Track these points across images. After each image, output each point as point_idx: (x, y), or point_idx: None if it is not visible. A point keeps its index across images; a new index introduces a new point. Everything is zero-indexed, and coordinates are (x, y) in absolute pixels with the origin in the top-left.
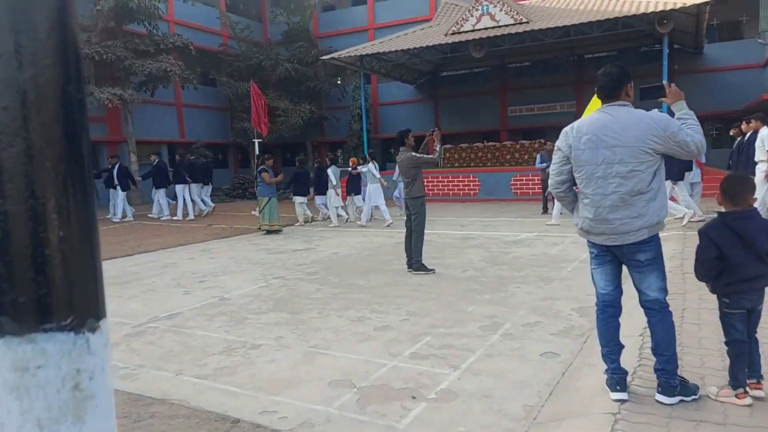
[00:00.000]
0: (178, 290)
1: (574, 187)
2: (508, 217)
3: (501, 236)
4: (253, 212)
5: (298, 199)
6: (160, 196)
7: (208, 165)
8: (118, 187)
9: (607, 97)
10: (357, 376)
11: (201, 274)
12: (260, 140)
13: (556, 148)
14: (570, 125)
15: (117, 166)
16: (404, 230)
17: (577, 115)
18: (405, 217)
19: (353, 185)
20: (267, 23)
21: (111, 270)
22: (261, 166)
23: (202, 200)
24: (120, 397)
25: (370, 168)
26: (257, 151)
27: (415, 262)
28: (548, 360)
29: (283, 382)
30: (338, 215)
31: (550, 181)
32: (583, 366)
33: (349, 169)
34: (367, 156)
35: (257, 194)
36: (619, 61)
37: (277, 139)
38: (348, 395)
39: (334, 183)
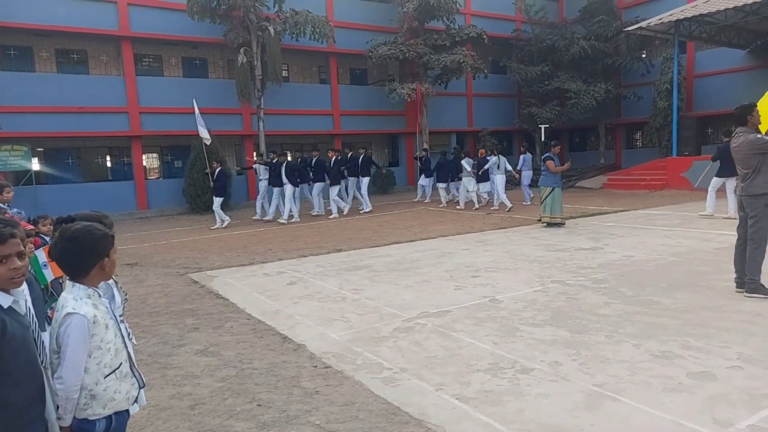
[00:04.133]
0: (451, 284)
1: None
2: None
3: None
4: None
5: (441, 185)
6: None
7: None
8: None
9: None
10: None
11: (474, 267)
12: (547, 125)
13: None
14: None
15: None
16: (724, 231)
17: None
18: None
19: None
20: (564, 1)
21: (395, 255)
22: (546, 153)
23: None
24: (378, 406)
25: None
26: (543, 137)
27: (749, 281)
28: None
29: (557, 431)
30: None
31: None
32: None
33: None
34: (495, 150)
35: (539, 183)
36: None
37: (567, 123)
38: None
39: (468, 170)
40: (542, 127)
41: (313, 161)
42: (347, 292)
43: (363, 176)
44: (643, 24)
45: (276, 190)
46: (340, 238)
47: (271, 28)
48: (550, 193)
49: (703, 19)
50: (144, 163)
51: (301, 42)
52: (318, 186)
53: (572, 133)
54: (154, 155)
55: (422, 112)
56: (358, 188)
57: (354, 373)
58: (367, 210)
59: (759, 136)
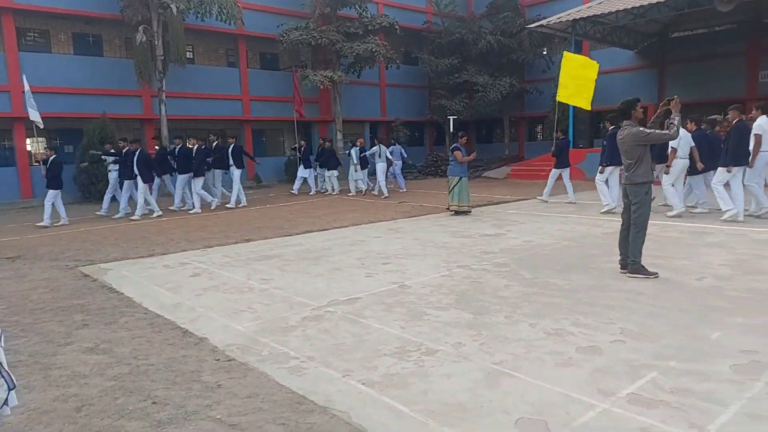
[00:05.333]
0: (362, 271)
1: None
2: None
3: (750, 232)
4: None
5: (329, 173)
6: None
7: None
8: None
9: None
10: (554, 417)
11: (385, 255)
12: (455, 117)
13: None
14: None
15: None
16: (612, 218)
17: None
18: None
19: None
20: None
21: (306, 244)
22: (454, 144)
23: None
24: (283, 396)
25: (381, 150)
26: (452, 128)
27: (631, 263)
28: None
29: (458, 409)
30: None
31: None
32: None
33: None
34: (376, 140)
35: (447, 173)
36: None
37: (474, 115)
38: None
39: (355, 161)
40: (450, 118)
41: (177, 150)
42: (255, 283)
43: (235, 168)
44: (544, 22)
45: (126, 182)
46: (250, 227)
47: (173, 6)
48: (457, 182)
49: (597, 19)
50: (28, 148)
51: (207, 22)
52: (182, 178)
53: (479, 125)
54: (41, 139)
55: (335, 100)
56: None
57: (259, 365)
58: (241, 205)
59: (641, 129)
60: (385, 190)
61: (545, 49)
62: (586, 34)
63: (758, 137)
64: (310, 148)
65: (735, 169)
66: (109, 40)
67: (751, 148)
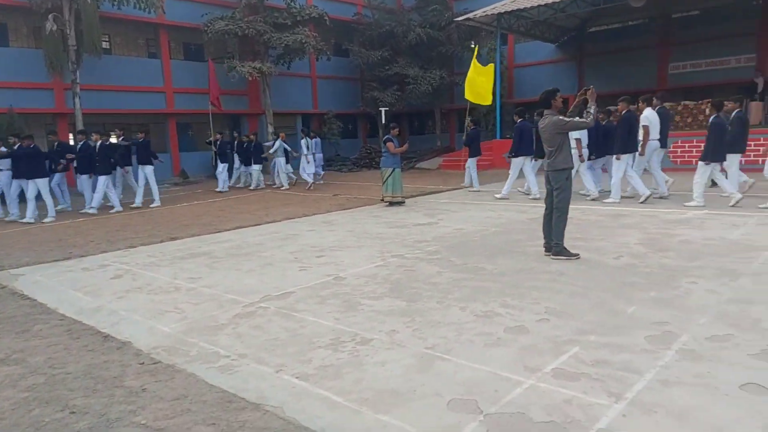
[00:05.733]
0: (295, 265)
1: None
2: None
3: (661, 213)
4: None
5: (256, 167)
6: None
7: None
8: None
9: None
10: (484, 396)
11: (319, 248)
12: (387, 108)
13: None
14: None
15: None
16: (537, 204)
17: None
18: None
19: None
20: None
21: (236, 240)
22: (386, 136)
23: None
24: (213, 395)
25: (303, 143)
26: (383, 120)
27: (555, 245)
28: (754, 396)
29: (392, 395)
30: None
31: None
32: None
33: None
34: (302, 132)
35: (381, 164)
36: None
37: (406, 107)
38: (473, 425)
39: (279, 154)
40: (382, 110)
41: (78, 147)
42: (182, 282)
43: (143, 164)
44: (471, 15)
45: (24, 182)
46: (176, 225)
47: None
48: (390, 173)
49: (520, 14)
50: None
51: (125, 10)
52: (83, 178)
53: (411, 117)
54: None
55: (265, 92)
56: (136, 178)
57: (187, 366)
58: (154, 205)
59: (561, 117)
60: (309, 179)
61: (473, 42)
62: (511, 28)
63: (646, 128)
64: (227, 142)
65: (624, 157)
66: (16, 29)
67: (640, 137)
